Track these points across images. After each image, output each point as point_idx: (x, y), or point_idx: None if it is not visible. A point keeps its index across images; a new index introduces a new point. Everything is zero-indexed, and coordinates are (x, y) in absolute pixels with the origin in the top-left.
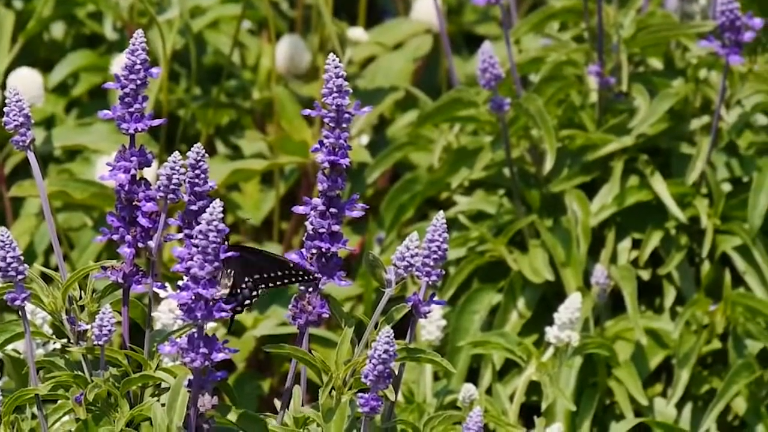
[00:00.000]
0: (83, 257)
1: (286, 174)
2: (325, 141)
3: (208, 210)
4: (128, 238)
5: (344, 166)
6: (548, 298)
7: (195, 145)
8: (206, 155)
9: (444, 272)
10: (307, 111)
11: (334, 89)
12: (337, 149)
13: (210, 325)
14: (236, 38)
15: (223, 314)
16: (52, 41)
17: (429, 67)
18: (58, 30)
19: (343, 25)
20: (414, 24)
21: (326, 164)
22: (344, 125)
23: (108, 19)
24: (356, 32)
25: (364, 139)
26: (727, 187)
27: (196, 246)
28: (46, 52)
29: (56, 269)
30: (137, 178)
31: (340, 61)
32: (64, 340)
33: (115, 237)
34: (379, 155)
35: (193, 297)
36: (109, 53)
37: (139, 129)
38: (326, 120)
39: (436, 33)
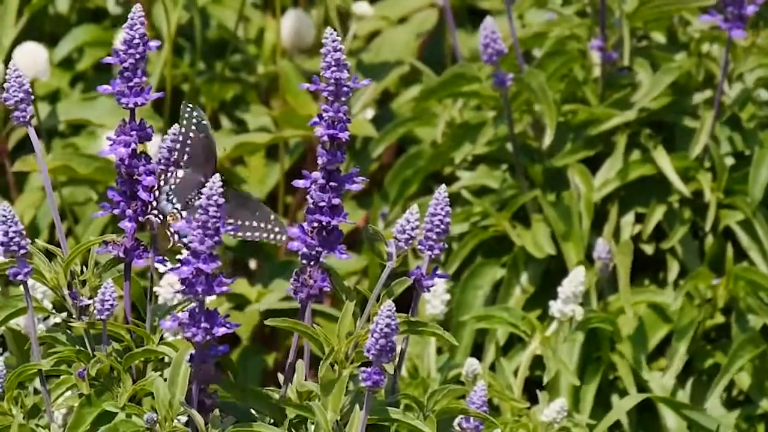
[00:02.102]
0: (88, 231)
1: (291, 148)
2: (324, 114)
3: (207, 185)
4: (129, 212)
5: (343, 139)
6: (552, 272)
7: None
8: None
9: (447, 246)
10: (306, 85)
11: (333, 63)
12: (336, 123)
13: (212, 299)
14: (241, 12)
15: (224, 288)
16: (57, 15)
17: (434, 41)
18: (63, 4)
19: None
20: None
21: (325, 138)
22: (343, 99)
23: None
24: (361, 6)
25: (369, 114)
26: (730, 161)
27: (196, 221)
28: (51, 27)
29: (60, 244)
30: (138, 152)
31: (338, 35)
32: (66, 315)
33: (116, 211)
34: (383, 130)
35: (194, 271)
36: (113, 28)
37: (139, 103)
38: (325, 94)
39: (440, 7)
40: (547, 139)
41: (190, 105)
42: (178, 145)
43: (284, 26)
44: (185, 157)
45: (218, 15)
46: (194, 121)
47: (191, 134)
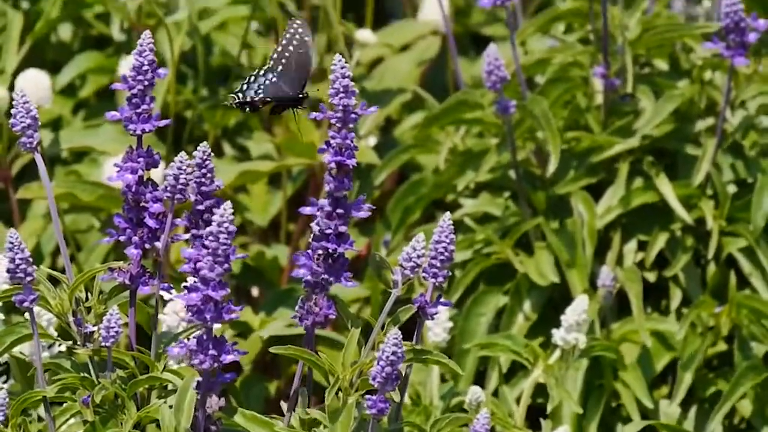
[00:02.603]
0: (90, 259)
1: (294, 176)
2: (332, 141)
3: (218, 212)
4: (135, 239)
5: (351, 166)
6: (554, 300)
7: (201, 145)
8: (212, 155)
9: (450, 274)
10: (314, 114)
11: (341, 89)
12: (343, 150)
13: (216, 326)
14: (244, 39)
15: (233, 316)
16: (60, 43)
17: (437, 68)
18: (65, 31)
19: (351, 27)
20: (421, 25)
21: (333, 165)
22: (351, 125)
23: (115, 21)
24: (364, 34)
25: (372, 141)
26: (732, 189)
27: (206, 248)
28: (53, 54)
29: (63, 271)
30: (144, 179)
31: (346, 62)
32: (70, 342)
33: (122, 238)
34: (385, 157)
35: (203, 299)
36: (116, 55)
37: (147, 130)
38: (333, 120)
39: (443, 34)
40: (552, 167)
41: (298, 20)
42: (275, 55)
43: None
44: (279, 68)
45: (221, 42)
46: (297, 36)
47: (291, 47)
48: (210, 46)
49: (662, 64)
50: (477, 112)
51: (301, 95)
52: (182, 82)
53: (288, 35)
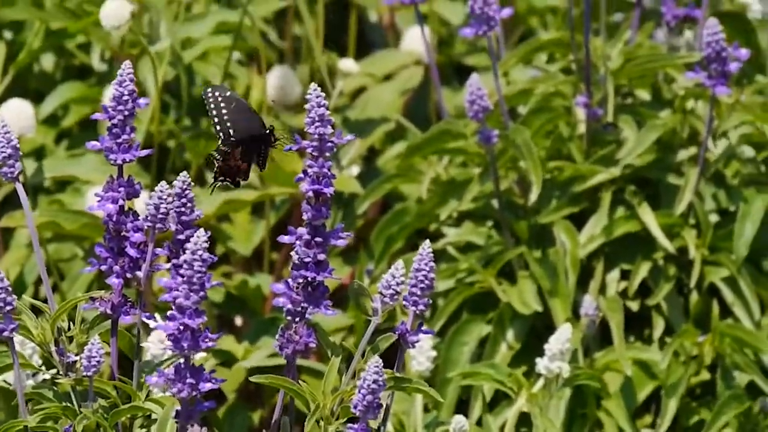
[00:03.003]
0: (74, 288)
1: (277, 205)
2: (309, 170)
3: (192, 240)
4: (116, 268)
5: (329, 194)
6: (537, 329)
7: (181, 174)
8: (194, 184)
9: (431, 302)
10: (289, 146)
11: (317, 118)
12: (321, 178)
13: (200, 355)
14: (227, 69)
15: (210, 344)
16: (43, 73)
17: (420, 98)
18: (48, 61)
19: (334, 56)
20: (404, 55)
21: (310, 193)
22: (327, 154)
23: (96, 51)
24: (347, 63)
25: (355, 170)
26: (714, 218)
27: (182, 276)
28: (36, 84)
29: (46, 300)
30: (125, 208)
31: (322, 90)
32: (54, 371)
33: (103, 268)
34: (368, 186)
35: (180, 327)
36: (98, 84)
37: (127, 160)
38: (309, 150)
39: (426, 64)
40: (533, 196)
41: (208, 88)
42: (219, 126)
43: (270, 83)
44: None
45: (204, 72)
46: (219, 100)
47: (224, 111)
48: (192, 76)
49: (644, 94)
50: (460, 142)
51: (267, 130)
52: (165, 112)
53: (212, 104)
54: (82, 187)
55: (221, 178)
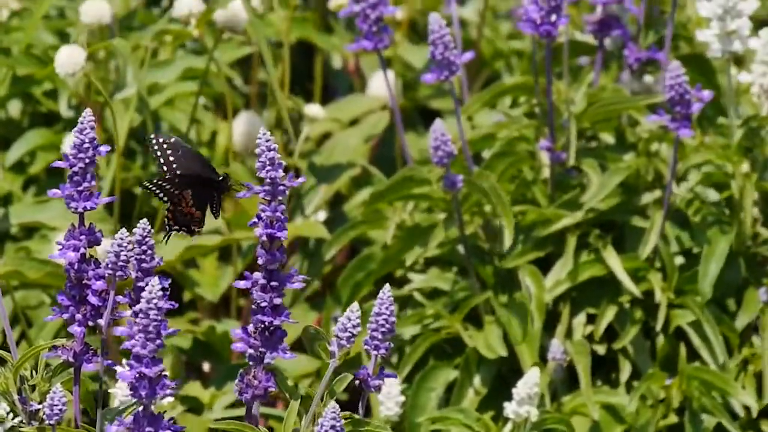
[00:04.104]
0: (41, 335)
1: (244, 250)
2: (262, 215)
3: (147, 288)
4: (78, 316)
5: (282, 238)
6: (504, 374)
7: (140, 221)
8: (158, 231)
9: (399, 348)
10: (241, 193)
11: (267, 162)
12: (274, 222)
13: (167, 400)
14: (193, 115)
15: (168, 392)
16: (9, 120)
17: (386, 142)
18: (14, 108)
19: (300, 102)
20: (370, 100)
21: (264, 237)
22: (280, 198)
23: (64, 98)
24: (313, 108)
25: (321, 216)
26: (679, 260)
27: (138, 324)
28: (3, 131)
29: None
30: (87, 256)
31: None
32: (18, 420)
33: (65, 316)
34: (335, 232)
35: (137, 376)
36: (66, 131)
37: (88, 207)
38: (261, 194)
39: (392, 109)
40: (507, 242)
41: (152, 136)
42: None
43: (236, 129)
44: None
45: (170, 118)
46: (165, 146)
47: (171, 158)
48: (159, 122)
49: (608, 137)
50: (424, 188)
51: (221, 177)
52: (131, 159)
53: (158, 152)
54: (49, 233)
55: (175, 227)
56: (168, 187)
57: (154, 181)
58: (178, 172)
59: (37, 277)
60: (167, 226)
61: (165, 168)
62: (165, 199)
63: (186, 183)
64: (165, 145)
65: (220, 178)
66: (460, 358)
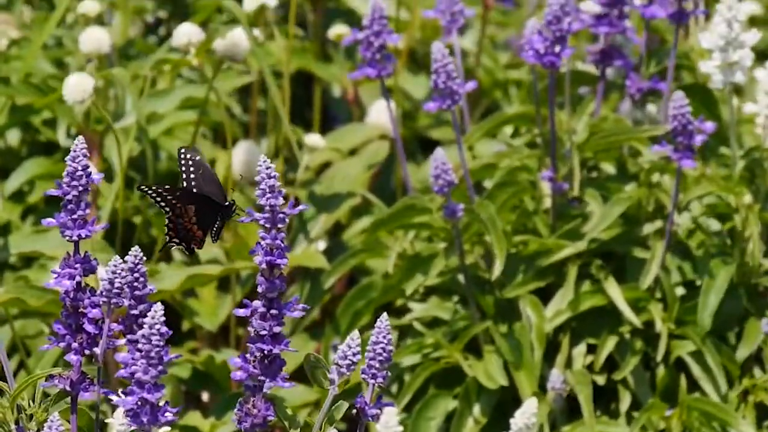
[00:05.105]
0: (40, 364)
1: (243, 280)
2: (262, 242)
3: (149, 314)
4: (75, 345)
5: (282, 266)
6: (504, 403)
7: (133, 249)
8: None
9: (398, 377)
10: (243, 218)
11: (267, 190)
12: (274, 250)
13: (164, 430)
14: (192, 144)
15: (170, 418)
16: (8, 149)
17: (386, 171)
18: (13, 138)
19: (299, 131)
20: (370, 129)
21: (264, 265)
22: (280, 225)
23: (62, 126)
24: (312, 138)
25: (321, 245)
26: (680, 291)
27: (140, 350)
28: (2, 160)
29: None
30: (82, 285)
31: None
32: None
33: (61, 345)
34: (335, 261)
35: (139, 402)
36: (64, 160)
37: (83, 236)
38: (261, 221)
39: (392, 138)
40: (497, 271)
41: (182, 149)
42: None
43: (235, 158)
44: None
45: (169, 147)
46: (189, 162)
47: (192, 175)
48: (158, 151)
49: (610, 168)
50: (425, 217)
51: (227, 203)
52: (131, 188)
53: (183, 166)
54: (47, 263)
55: (175, 239)
56: (168, 196)
57: (154, 187)
58: (184, 186)
59: (38, 304)
60: (167, 236)
61: (184, 183)
62: (165, 207)
63: (190, 199)
64: (190, 162)
65: (226, 203)
66: (459, 388)
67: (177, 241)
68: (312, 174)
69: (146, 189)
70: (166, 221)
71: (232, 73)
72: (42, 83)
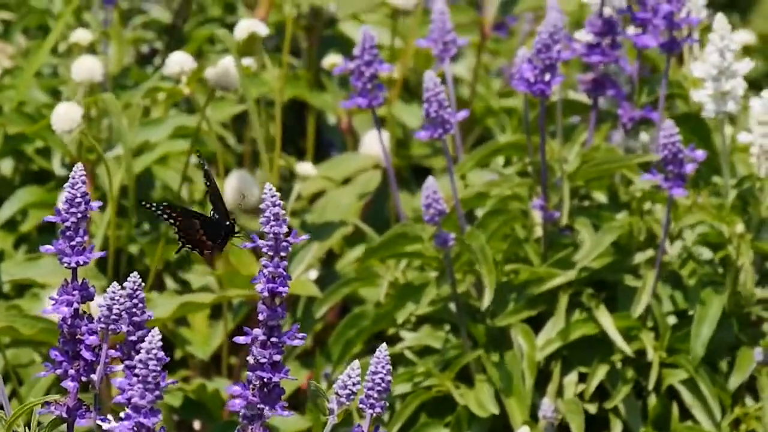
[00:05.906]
0: (32, 392)
1: (235, 308)
2: (265, 270)
3: (147, 339)
4: (72, 372)
5: (284, 294)
6: None
7: (131, 275)
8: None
9: (389, 405)
10: (247, 244)
11: (272, 218)
12: (276, 278)
13: None
14: (185, 173)
15: None
16: (1, 177)
17: (379, 200)
18: (6, 167)
19: (292, 160)
20: (363, 158)
21: (266, 293)
22: (283, 254)
23: (56, 156)
24: (305, 167)
25: (313, 274)
26: (672, 320)
27: (137, 375)
28: None
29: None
30: (80, 311)
31: (277, 191)
32: None
33: (58, 372)
34: (327, 290)
35: (135, 426)
36: (57, 189)
37: (81, 262)
38: (264, 249)
39: (384, 167)
40: (486, 301)
41: (199, 151)
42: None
43: (228, 187)
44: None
45: (162, 175)
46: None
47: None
48: (151, 180)
49: (601, 196)
50: (417, 245)
51: (228, 222)
52: (123, 217)
53: (206, 183)
54: (40, 292)
55: (188, 244)
56: (174, 214)
57: (164, 204)
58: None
59: (31, 333)
60: (180, 241)
61: (206, 184)
62: (168, 221)
63: (189, 219)
64: (205, 167)
65: (227, 222)
66: (451, 416)
67: (190, 246)
68: (305, 203)
69: (154, 206)
70: (175, 230)
71: (227, 102)
72: (35, 112)
